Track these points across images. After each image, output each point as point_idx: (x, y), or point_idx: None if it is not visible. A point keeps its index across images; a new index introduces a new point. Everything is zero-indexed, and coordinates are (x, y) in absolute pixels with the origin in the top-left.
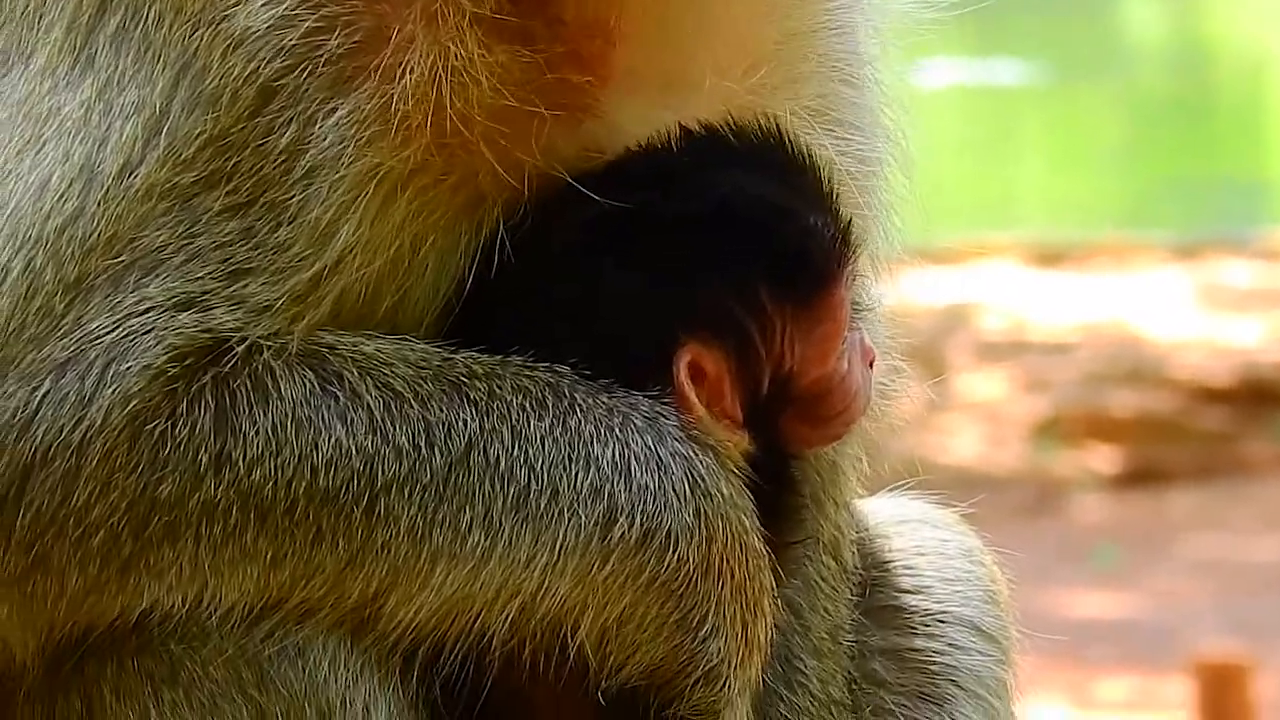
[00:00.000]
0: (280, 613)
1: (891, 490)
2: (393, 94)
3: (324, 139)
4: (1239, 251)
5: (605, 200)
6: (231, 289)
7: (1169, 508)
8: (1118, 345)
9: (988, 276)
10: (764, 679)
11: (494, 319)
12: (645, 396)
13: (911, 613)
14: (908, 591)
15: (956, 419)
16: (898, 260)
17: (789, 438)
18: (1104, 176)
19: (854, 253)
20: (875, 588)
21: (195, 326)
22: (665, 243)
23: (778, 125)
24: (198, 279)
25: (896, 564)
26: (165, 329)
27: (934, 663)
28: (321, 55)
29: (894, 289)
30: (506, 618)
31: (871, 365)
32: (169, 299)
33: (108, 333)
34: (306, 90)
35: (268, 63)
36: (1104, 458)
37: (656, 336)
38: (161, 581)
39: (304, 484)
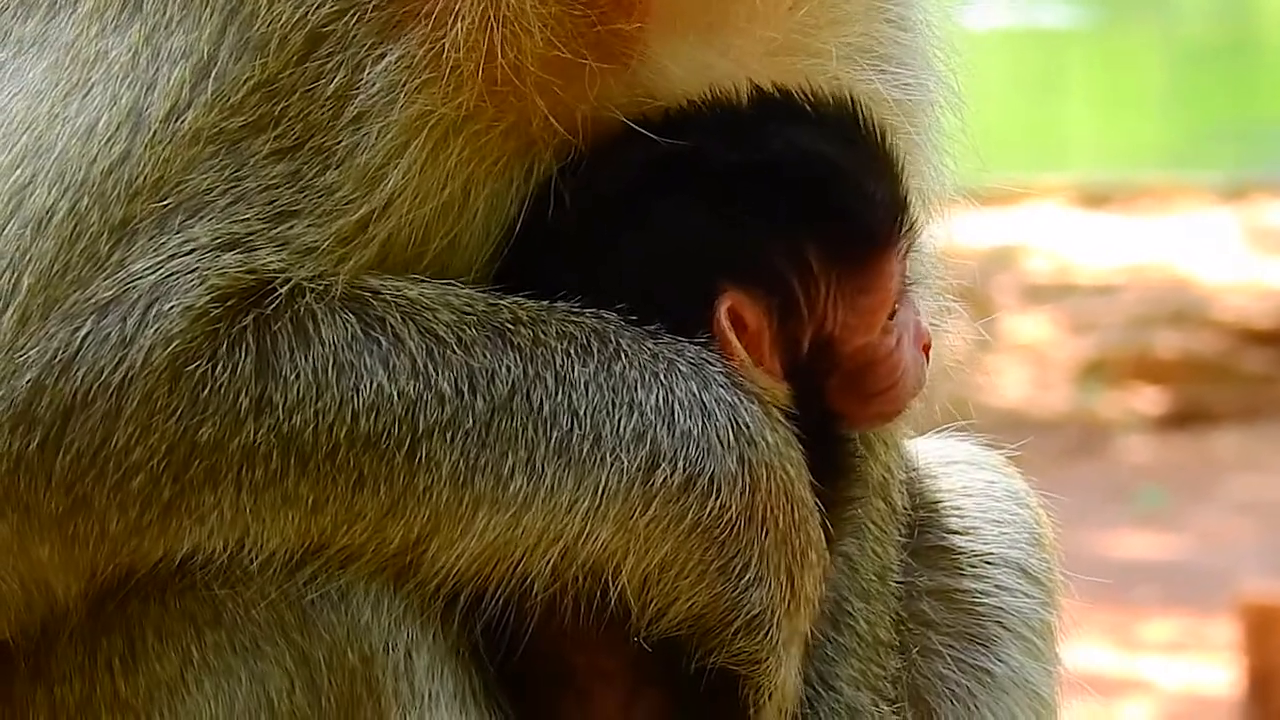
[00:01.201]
0: (322, 558)
1: (939, 432)
2: (444, 41)
3: (373, 84)
4: None
5: (663, 140)
6: (276, 230)
7: (1214, 449)
8: (1163, 287)
9: (1034, 218)
10: (813, 630)
11: (542, 263)
12: (691, 343)
13: (959, 554)
14: (955, 532)
15: (1002, 360)
16: (948, 201)
17: (838, 411)
18: (1150, 118)
19: (911, 228)
20: (923, 529)
21: (239, 267)
22: (719, 191)
23: (851, 94)
24: (243, 220)
25: (944, 505)
26: (208, 269)
27: (981, 604)
28: (370, 1)
29: (944, 230)
30: (548, 563)
31: (927, 350)
32: (213, 240)
33: (151, 273)
34: (355, 36)
35: (316, 8)
36: (1149, 399)
37: (701, 283)
38: (203, 525)
39: (345, 429)
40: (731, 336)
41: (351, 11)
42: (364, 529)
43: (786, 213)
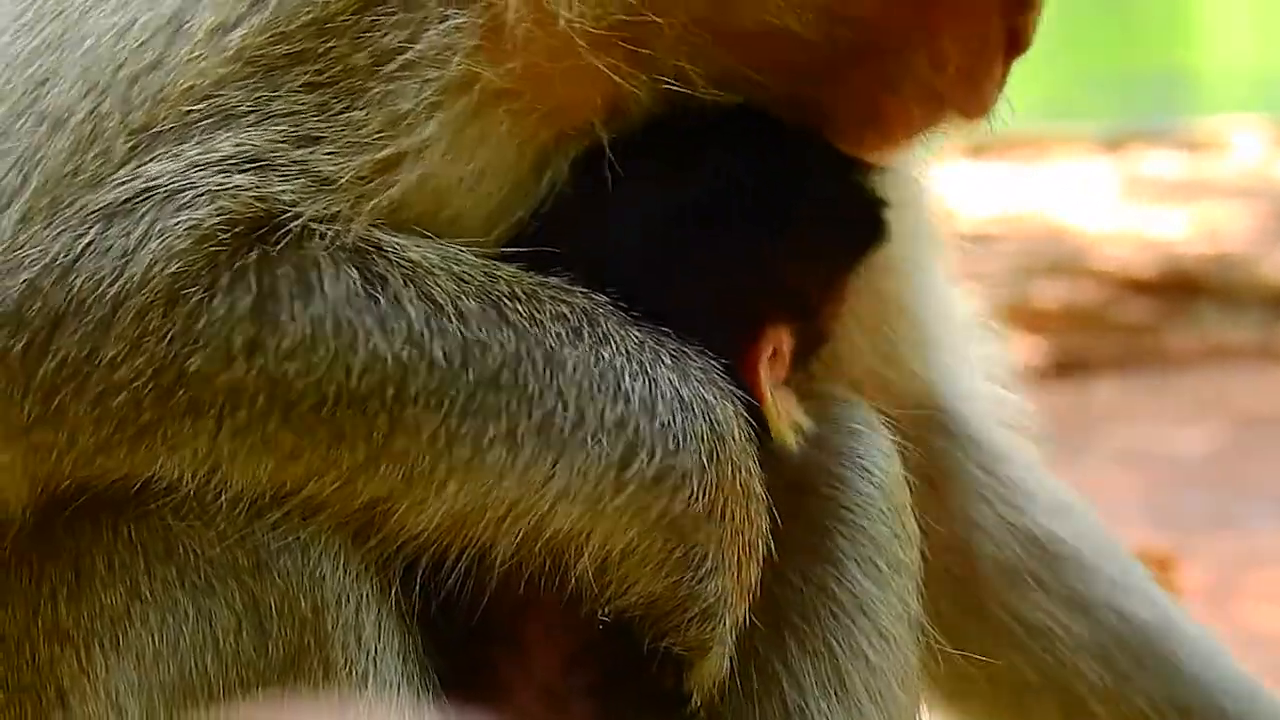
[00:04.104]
0: (287, 505)
1: None
2: (505, 11)
3: (429, 44)
4: (1162, 143)
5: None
6: (296, 153)
7: (1093, 399)
8: (1041, 237)
9: None
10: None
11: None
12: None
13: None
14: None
15: None
16: None
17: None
18: (1028, 67)
19: None
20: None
21: (251, 190)
22: (778, 228)
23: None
24: (265, 138)
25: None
26: (220, 189)
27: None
28: None
29: None
30: (514, 536)
31: None
32: (234, 151)
33: (166, 182)
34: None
35: None
36: (1027, 349)
37: (750, 314)
38: (175, 455)
39: (335, 386)
40: (765, 374)
41: None
42: (335, 481)
43: (841, 251)
